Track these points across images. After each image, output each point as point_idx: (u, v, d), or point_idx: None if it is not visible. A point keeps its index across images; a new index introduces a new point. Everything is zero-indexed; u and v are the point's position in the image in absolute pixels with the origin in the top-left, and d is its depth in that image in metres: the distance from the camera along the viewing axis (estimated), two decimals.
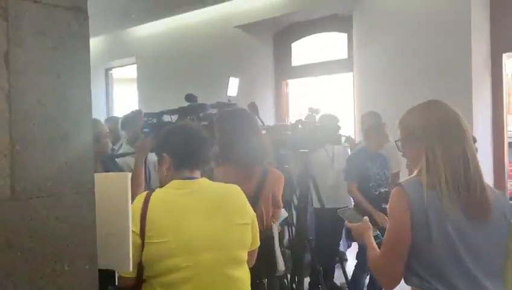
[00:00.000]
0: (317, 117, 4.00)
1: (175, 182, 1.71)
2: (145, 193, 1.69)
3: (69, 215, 0.94)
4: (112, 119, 5.17)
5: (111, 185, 1.28)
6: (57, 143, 0.92)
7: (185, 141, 1.76)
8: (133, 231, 1.55)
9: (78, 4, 0.95)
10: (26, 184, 0.88)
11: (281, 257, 2.43)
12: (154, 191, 1.71)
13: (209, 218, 1.66)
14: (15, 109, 0.86)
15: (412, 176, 1.56)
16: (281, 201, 2.46)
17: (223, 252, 1.66)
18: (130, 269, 1.30)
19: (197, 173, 1.76)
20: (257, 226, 1.82)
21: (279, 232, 3.01)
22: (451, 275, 1.43)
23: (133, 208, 1.61)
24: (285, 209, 3.43)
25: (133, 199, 1.79)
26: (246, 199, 1.80)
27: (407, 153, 1.61)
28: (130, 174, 1.31)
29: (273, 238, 2.39)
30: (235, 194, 1.78)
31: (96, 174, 1.07)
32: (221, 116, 2.41)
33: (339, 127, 3.74)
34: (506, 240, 1.51)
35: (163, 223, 1.60)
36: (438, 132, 1.50)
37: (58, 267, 0.93)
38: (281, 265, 2.41)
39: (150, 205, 1.62)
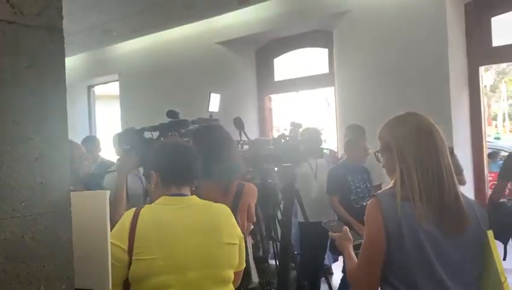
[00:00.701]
0: (300, 131, 4.04)
1: (164, 198, 1.70)
2: (133, 209, 1.67)
3: (45, 235, 0.93)
4: (89, 139, 5.10)
5: (89, 204, 1.27)
6: (32, 163, 0.91)
7: (172, 157, 1.76)
8: (121, 248, 1.55)
9: (53, 23, 0.95)
10: (0, 205, 0.87)
11: (255, 268, 2.43)
12: (143, 207, 1.70)
13: (198, 236, 1.65)
14: None
15: (387, 187, 1.58)
16: (254, 214, 2.47)
17: (211, 270, 1.65)
18: (110, 287, 1.29)
19: (186, 190, 1.75)
20: (244, 247, 1.82)
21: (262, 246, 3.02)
22: (424, 286, 1.45)
23: (122, 224, 1.61)
24: (270, 224, 3.43)
25: (114, 215, 1.77)
26: (235, 219, 1.80)
27: (385, 164, 1.63)
28: (108, 192, 1.30)
29: (247, 249, 2.40)
30: (225, 213, 1.78)
31: (73, 193, 1.06)
32: (196, 132, 2.42)
33: (321, 141, 3.77)
34: (481, 249, 1.52)
35: (152, 240, 1.59)
36: (410, 144, 1.52)
37: (34, 288, 0.92)
38: (255, 277, 2.41)
39: (139, 221, 1.61)
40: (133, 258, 1.57)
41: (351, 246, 1.72)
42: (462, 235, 1.49)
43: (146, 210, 1.66)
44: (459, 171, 4.21)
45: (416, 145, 1.52)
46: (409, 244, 1.45)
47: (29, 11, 0.92)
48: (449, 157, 1.55)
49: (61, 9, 0.98)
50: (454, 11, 4.79)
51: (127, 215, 1.64)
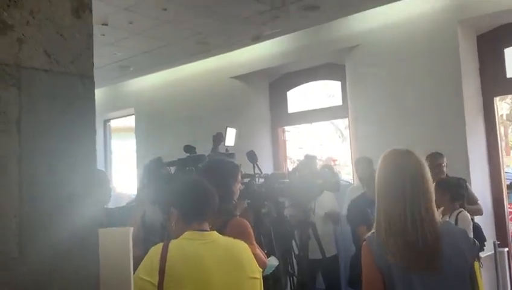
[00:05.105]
0: (318, 164, 4.06)
1: (190, 233, 1.73)
2: (161, 245, 1.69)
3: (75, 273, 0.95)
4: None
5: (113, 240, 1.30)
6: (65, 203, 0.95)
7: (193, 195, 1.80)
8: (151, 283, 1.58)
9: (85, 70, 1.01)
10: (34, 244, 0.90)
11: None
12: (169, 241, 1.72)
13: (225, 270, 1.68)
14: (25, 172, 0.90)
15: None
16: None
17: None
18: None
19: (206, 226, 1.79)
20: (262, 282, 1.84)
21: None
22: None
23: (150, 260, 1.63)
24: (286, 259, 3.40)
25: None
26: (253, 255, 1.83)
27: None
28: (131, 229, 1.33)
29: None
30: (245, 249, 1.82)
31: (99, 230, 1.09)
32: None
33: (336, 174, 3.78)
34: (467, 281, 1.56)
35: (183, 275, 1.62)
36: (380, 186, 1.66)
37: None
38: None
39: (169, 256, 1.63)
40: None
41: None
42: (438, 273, 1.53)
43: (174, 245, 1.68)
44: (474, 202, 4.19)
45: (386, 188, 1.64)
46: (399, 285, 1.51)
47: (63, 60, 0.98)
48: (422, 194, 1.59)
49: (92, 56, 1.04)
50: (466, 43, 4.83)
51: (155, 251, 1.66)
